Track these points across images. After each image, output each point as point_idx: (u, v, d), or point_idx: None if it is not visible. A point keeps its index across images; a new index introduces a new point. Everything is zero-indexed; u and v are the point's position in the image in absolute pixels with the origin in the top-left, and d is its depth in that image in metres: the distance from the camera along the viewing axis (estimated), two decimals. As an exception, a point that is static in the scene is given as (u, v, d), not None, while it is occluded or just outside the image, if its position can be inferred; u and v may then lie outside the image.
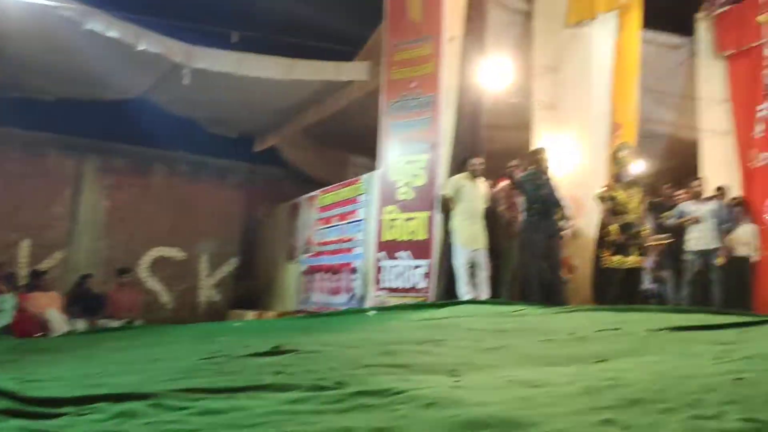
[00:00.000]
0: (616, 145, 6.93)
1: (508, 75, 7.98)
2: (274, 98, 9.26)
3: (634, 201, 6.57)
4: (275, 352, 2.76)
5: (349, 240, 8.30)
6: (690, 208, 7.27)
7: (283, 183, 11.48)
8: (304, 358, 2.64)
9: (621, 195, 6.56)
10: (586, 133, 7.88)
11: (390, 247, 7.32)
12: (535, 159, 6.92)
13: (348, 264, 8.28)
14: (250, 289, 10.98)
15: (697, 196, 7.33)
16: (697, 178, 7.63)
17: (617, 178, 6.72)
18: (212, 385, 2.05)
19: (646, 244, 6.67)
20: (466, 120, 7.30)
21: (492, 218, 7.04)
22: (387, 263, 7.33)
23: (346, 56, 9.14)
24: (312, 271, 9.25)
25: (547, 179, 6.85)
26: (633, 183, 6.72)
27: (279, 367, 2.37)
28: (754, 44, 8.61)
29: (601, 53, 8.02)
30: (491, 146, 8.34)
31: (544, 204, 6.64)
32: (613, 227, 6.49)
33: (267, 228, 11.34)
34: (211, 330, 5.50)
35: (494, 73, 7.73)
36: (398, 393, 1.84)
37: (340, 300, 8.29)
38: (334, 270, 8.62)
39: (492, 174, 7.45)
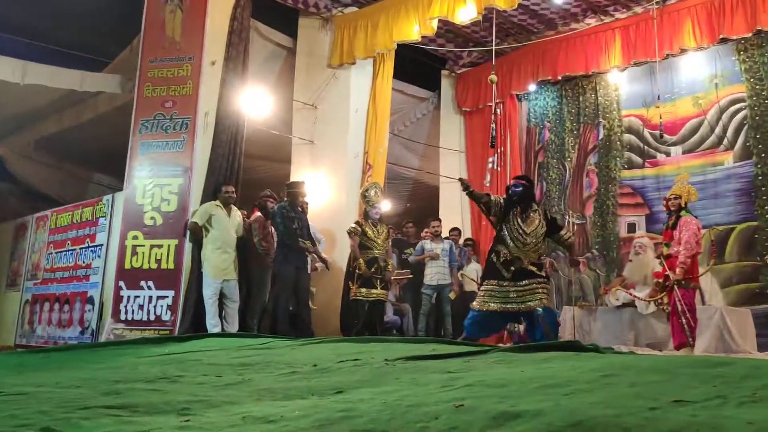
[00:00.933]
0: (366, 185, 7.31)
1: (268, 106, 8.01)
2: (2, 103, 8.16)
3: (381, 237, 6.95)
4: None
5: (86, 266, 7.51)
6: (429, 245, 7.93)
7: (8, 198, 10.09)
8: (7, 402, 2.24)
9: (369, 231, 6.90)
10: (341, 170, 8.19)
11: (132, 276, 6.76)
12: (290, 192, 6.99)
13: (82, 293, 7.47)
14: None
15: (435, 236, 8.02)
16: (436, 219, 8.34)
17: (366, 215, 7.06)
18: None
19: (389, 278, 7.06)
20: (223, 147, 7.11)
21: (245, 249, 6.91)
22: (128, 293, 6.76)
23: (97, 67, 8.43)
24: (38, 300, 8.18)
25: (301, 213, 6.95)
26: (380, 220, 7.11)
27: (-31, 415, 1.97)
28: (488, 104, 9.78)
29: (357, 95, 8.45)
30: (250, 176, 8.27)
31: (296, 237, 6.71)
32: (361, 261, 6.79)
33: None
34: None
35: (255, 103, 7.70)
36: (115, 438, 1.63)
37: (71, 333, 7.44)
38: (65, 299, 7.73)
39: (248, 204, 7.35)
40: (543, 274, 5.47)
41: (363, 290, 6.75)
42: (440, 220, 8.31)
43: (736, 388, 2.23)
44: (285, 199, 6.99)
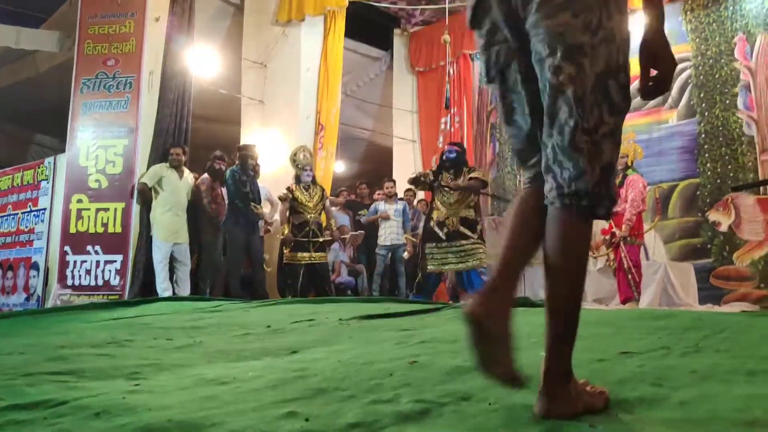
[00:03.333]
0: (294, 149, 7.14)
1: (216, 65, 7.79)
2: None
3: (313, 200, 6.88)
4: None
5: (29, 231, 7.26)
6: (382, 206, 7.93)
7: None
8: (-55, 371, 2.16)
9: (300, 195, 6.82)
10: (292, 131, 8.06)
11: (78, 241, 6.57)
12: (241, 155, 6.85)
13: (26, 259, 7.24)
14: None
15: (389, 197, 8.01)
16: (390, 180, 8.32)
17: (298, 179, 6.96)
18: None
19: (337, 237, 7.06)
20: (170, 107, 6.89)
21: (195, 211, 6.78)
22: (74, 258, 6.58)
23: (34, 23, 8.01)
24: (-21, 267, 7.89)
25: (253, 176, 6.83)
26: (314, 182, 7.02)
27: None
28: (441, 63, 9.72)
29: (308, 54, 8.27)
30: (199, 137, 8.06)
31: (247, 200, 6.61)
32: (285, 227, 6.78)
33: None
34: None
35: (202, 62, 7.48)
36: (61, 404, 1.58)
37: (16, 300, 7.23)
38: (8, 266, 7.48)
39: (198, 166, 7.19)
40: (475, 235, 5.66)
41: (294, 254, 6.72)
42: (394, 181, 8.28)
43: (679, 339, 2.31)
44: (237, 162, 6.85)
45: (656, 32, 1.34)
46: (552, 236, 1.36)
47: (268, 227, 7.21)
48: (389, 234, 7.81)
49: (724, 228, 7.33)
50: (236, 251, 6.64)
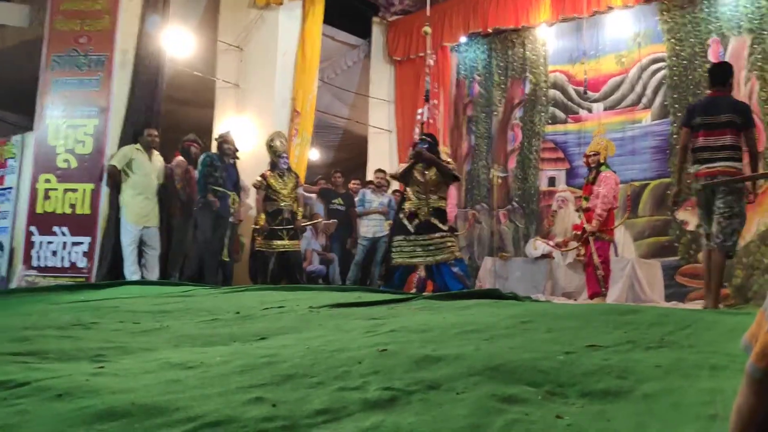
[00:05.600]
0: (271, 134, 7.05)
1: (191, 46, 7.66)
2: None
3: (288, 188, 6.84)
4: None
5: (-7, 210, 7.08)
6: (369, 196, 7.89)
7: None
8: None
9: (274, 182, 6.77)
10: (267, 116, 7.97)
11: (45, 221, 6.43)
12: (218, 144, 6.78)
13: (-10, 238, 7.06)
14: None
15: (378, 187, 7.95)
16: (380, 170, 8.21)
17: (273, 165, 6.90)
18: None
19: (300, 227, 7.01)
20: (143, 87, 6.76)
21: (166, 195, 6.69)
22: (40, 239, 6.44)
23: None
24: (-60, 246, 7.67)
25: (227, 162, 6.74)
26: (288, 170, 6.98)
27: None
28: (420, 54, 9.69)
29: (285, 39, 8.18)
30: (171, 120, 7.94)
31: (216, 184, 6.52)
32: (262, 216, 6.72)
33: None
34: None
35: (177, 43, 7.35)
36: (22, 384, 1.55)
37: (-22, 281, 7.05)
38: (-29, 245, 7.28)
39: (169, 150, 7.07)
40: (446, 228, 5.63)
41: (266, 242, 6.68)
42: (384, 172, 8.14)
43: (644, 334, 2.35)
44: (214, 150, 6.77)
45: None
46: None
47: (240, 217, 7.15)
48: (372, 226, 7.77)
49: (691, 227, 7.45)
50: (203, 237, 6.53)
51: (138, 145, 6.46)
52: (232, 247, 7.10)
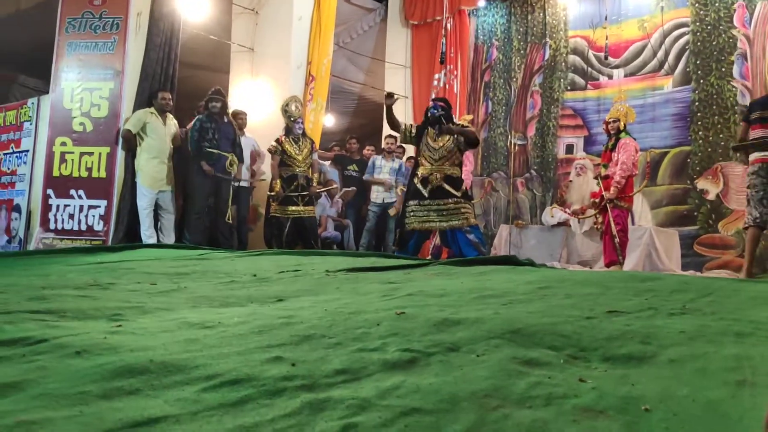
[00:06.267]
0: (286, 99, 6.98)
1: (206, 9, 7.57)
2: None
3: (303, 153, 6.79)
4: None
5: (11, 173, 7.12)
6: (379, 162, 7.84)
7: None
8: None
9: (289, 147, 6.73)
10: (282, 81, 7.90)
11: (61, 184, 6.46)
12: (204, 103, 6.69)
13: (8, 201, 7.12)
14: None
15: (389, 152, 7.90)
16: (390, 136, 8.14)
17: (288, 130, 6.85)
18: None
19: (315, 193, 6.99)
20: (157, 51, 6.71)
21: (181, 159, 6.67)
22: (57, 202, 6.48)
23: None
24: (-41, 208, 7.75)
25: (221, 124, 6.64)
26: (303, 135, 6.92)
27: None
28: (437, 18, 9.53)
29: (301, 2, 8.06)
30: (186, 85, 7.88)
31: (212, 148, 6.47)
32: (277, 182, 6.68)
33: None
34: None
35: (192, 5, 7.25)
36: (40, 341, 1.54)
37: (-3, 243, 7.13)
38: (-11, 208, 7.35)
39: (183, 114, 7.04)
40: (458, 193, 5.51)
41: (281, 208, 6.66)
42: (395, 138, 8.10)
43: (665, 300, 2.31)
44: (204, 111, 6.67)
45: None
46: None
47: (253, 181, 7.11)
48: (382, 192, 7.75)
49: (711, 196, 7.36)
50: (200, 200, 6.51)
51: (152, 109, 6.44)
52: (246, 212, 7.10)
